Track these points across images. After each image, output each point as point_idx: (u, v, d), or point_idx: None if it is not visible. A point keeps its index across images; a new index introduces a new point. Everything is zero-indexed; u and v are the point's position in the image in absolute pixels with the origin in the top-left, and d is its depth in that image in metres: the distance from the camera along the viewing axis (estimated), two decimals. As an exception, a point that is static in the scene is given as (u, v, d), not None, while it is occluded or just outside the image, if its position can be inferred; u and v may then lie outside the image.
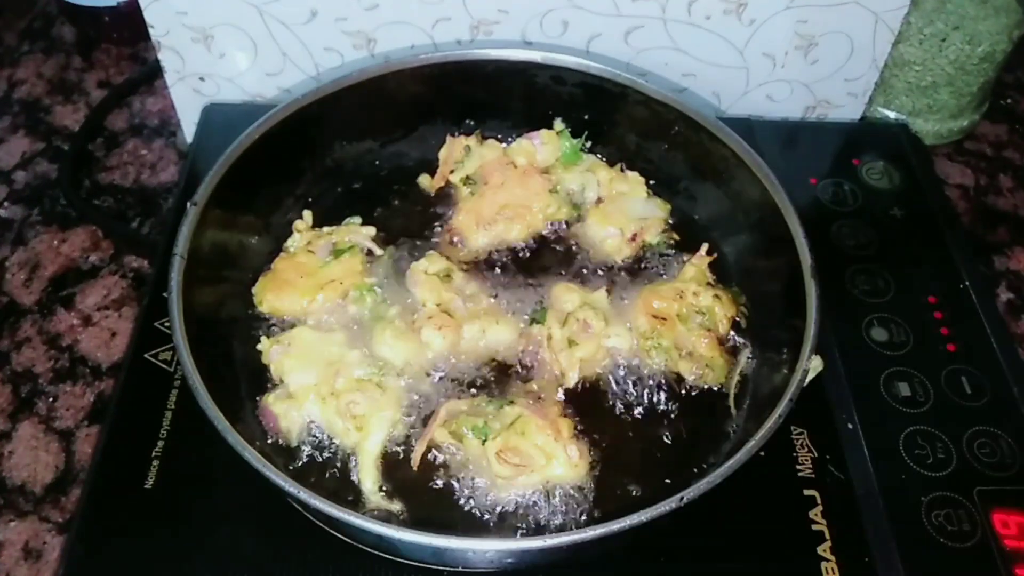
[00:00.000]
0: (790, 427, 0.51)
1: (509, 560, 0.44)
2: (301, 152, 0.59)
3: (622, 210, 0.58)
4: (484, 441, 0.46)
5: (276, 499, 0.46)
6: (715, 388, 0.52)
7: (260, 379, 0.51)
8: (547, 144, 0.61)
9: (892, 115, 0.72)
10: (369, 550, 0.45)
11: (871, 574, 0.46)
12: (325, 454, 0.48)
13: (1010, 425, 0.52)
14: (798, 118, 0.71)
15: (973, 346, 0.56)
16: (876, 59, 0.67)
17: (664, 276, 0.57)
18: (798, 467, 0.50)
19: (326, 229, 0.57)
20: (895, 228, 0.63)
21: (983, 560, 0.47)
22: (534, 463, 0.46)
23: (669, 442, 0.49)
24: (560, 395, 0.50)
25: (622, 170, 0.61)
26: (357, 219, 0.59)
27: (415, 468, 0.47)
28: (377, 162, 0.63)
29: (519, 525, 0.46)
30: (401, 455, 0.48)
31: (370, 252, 0.56)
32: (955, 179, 0.71)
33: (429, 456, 0.48)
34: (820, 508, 0.48)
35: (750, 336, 0.54)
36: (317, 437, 0.49)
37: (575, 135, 0.62)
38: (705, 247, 0.57)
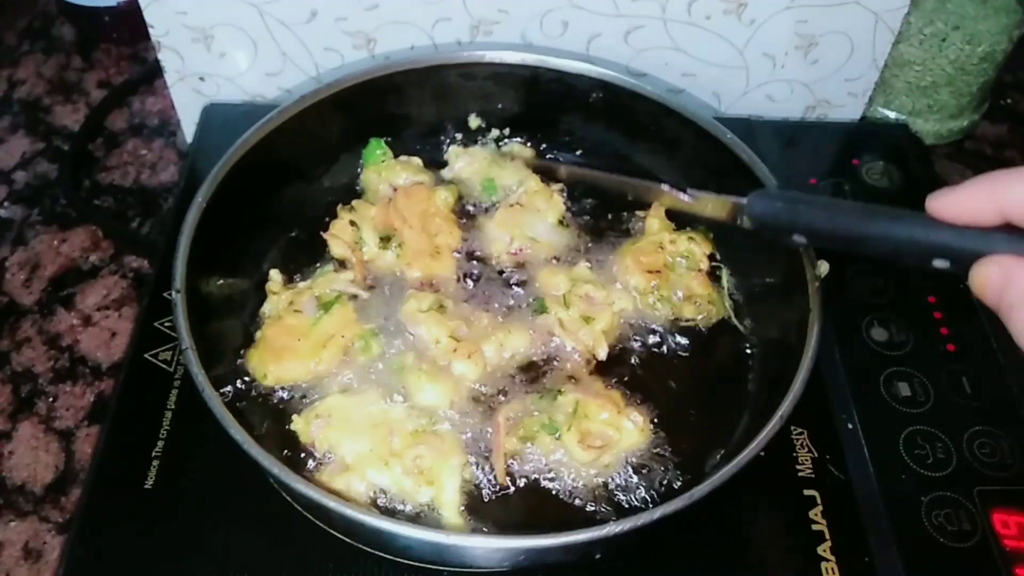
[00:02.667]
0: (790, 427, 0.51)
1: (521, 558, 0.44)
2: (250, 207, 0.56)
3: (524, 223, 0.57)
4: (558, 436, 0.47)
5: (277, 498, 0.46)
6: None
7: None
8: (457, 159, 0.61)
9: (892, 115, 0.72)
10: (372, 551, 0.45)
11: (871, 574, 0.46)
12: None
13: (1010, 425, 0.52)
14: (798, 118, 0.71)
15: (973, 346, 0.56)
16: (876, 59, 0.67)
17: (632, 236, 0.59)
18: (798, 467, 0.50)
19: (301, 285, 0.54)
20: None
21: (983, 560, 0.46)
22: (611, 440, 0.47)
23: (706, 381, 0.52)
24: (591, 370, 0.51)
25: (562, 190, 0.60)
26: (329, 266, 0.56)
27: (503, 483, 0.47)
28: (308, 202, 0.59)
29: (611, 504, 0.46)
30: (479, 481, 0.47)
31: (354, 296, 0.53)
32: (955, 179, 0.71)
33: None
34: (820, 508, 0.48)
35: (723, 259, 0.58)
36: (384, 502, 0.46)
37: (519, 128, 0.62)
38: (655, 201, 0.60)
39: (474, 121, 0.64)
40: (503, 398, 0.50)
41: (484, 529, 0.45)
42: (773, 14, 0.64)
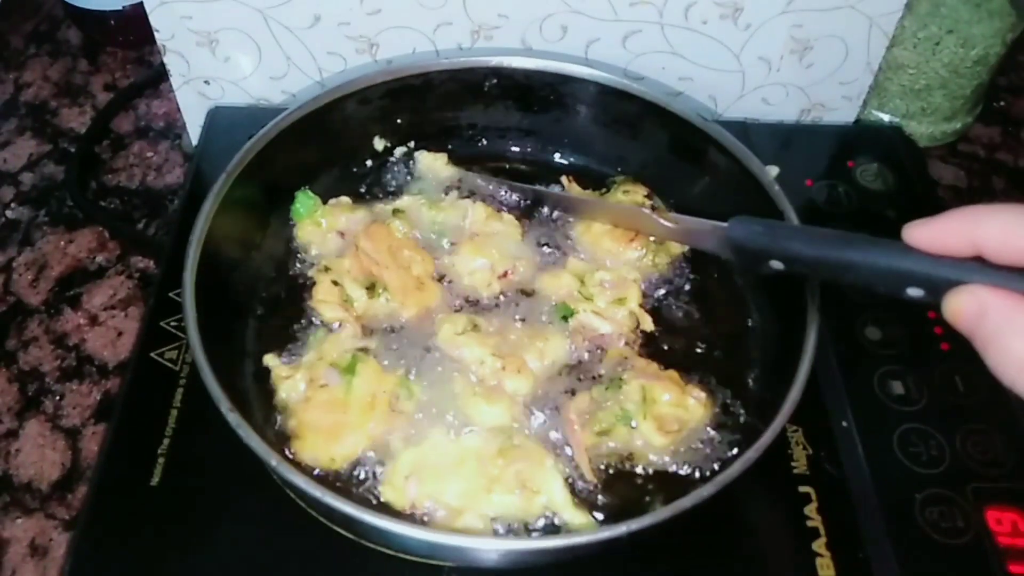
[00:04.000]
0: (785, 425, 0.52)
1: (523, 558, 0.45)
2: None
3: (495, 246, 0.56)
4: (633, 426, 0.47)
5: (282, 496, 0.46)
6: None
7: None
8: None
9: (886, 118, 0.73)
10: (377, 548, 0.46)
11: (866, 570, 0.47)
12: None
13: (1003, 423, 0.52)
14: (793, 121, 0.72)
15: (966, 345, 0.55)
16: (870, 62, 0.68)
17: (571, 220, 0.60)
18: (793, 464, 0.51)
19: (305, 360, 0.50)
20: (890, 229, 0.63)
21: (977, 556, 0.47)
22: (684, 420, 0.48)
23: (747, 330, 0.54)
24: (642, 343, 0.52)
25: (498, 211, 0.60)
26: (320, 331, 0.52)
27: (593, 480, 0.47)
28: (253, 281, 0.55)
29: (706, 461, 0.48)
30: (570, 477, 0.47)
31: (364, 349, 0.51)
32: (948, 181, 0.72)
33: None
34: (815, 504, 0.49)
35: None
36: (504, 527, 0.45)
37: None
38: (567, 178, 0.62)
39: (379, 143, 0.62)
40: (567, 395, 0.50)
41: (600, 518, 0.45)
42: (768, 19, 0.65)
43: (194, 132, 0.71)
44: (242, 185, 0.54)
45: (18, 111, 0.76)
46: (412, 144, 0.64)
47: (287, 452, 0.48)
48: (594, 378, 0.51)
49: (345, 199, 0.60)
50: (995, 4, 0.65)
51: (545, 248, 0.58)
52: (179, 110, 0.71)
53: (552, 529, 0.46)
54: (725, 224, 0.47)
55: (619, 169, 0.63)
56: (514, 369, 0.50)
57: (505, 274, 0.56)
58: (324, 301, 0.54)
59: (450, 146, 0.64)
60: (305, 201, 0.58)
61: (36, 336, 0.60)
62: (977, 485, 0.50)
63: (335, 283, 0.54)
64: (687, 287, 0.57)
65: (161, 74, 0.71)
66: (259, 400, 0.51)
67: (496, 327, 0.53)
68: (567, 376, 0.52)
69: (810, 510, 0.49)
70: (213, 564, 0.46)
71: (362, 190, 0.62)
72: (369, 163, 0.64)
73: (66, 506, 0.51)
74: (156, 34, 0.65)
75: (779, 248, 0.43)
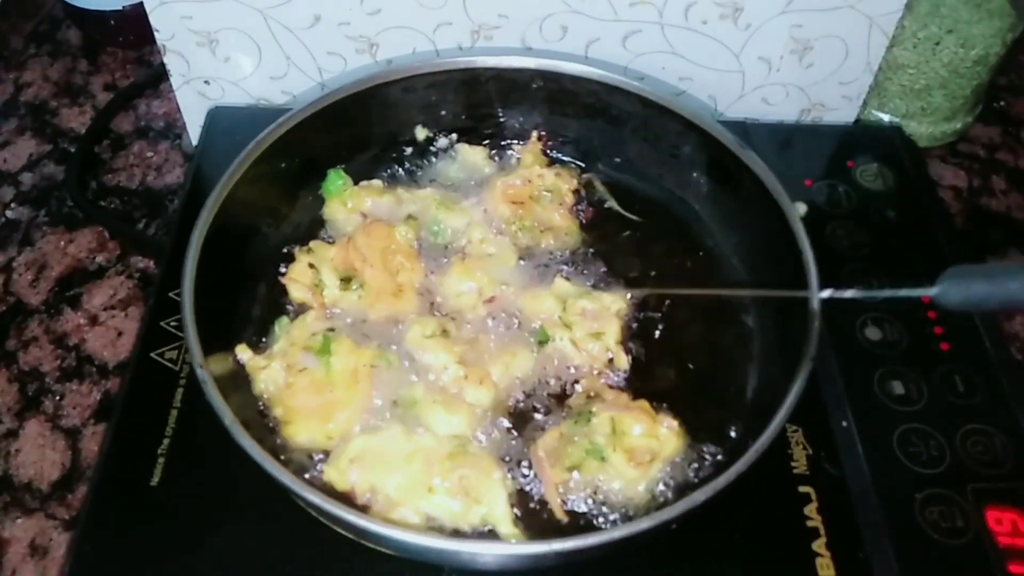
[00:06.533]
0: (785, 424, 0.52)
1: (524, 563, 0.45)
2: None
3: (486, 269, 0.55)
4: (604, 459, 0.46)
5: (281, 496, 0.46)
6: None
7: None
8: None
9: (886, 118, 0.73)
10: (377, 549, 0.45)
11: (866, 570, 0.47)
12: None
13: (1003, 423, 0.52)
14: (793, 121, 0.72)
15: (966, 345, 0.56)
16: (870, 62, 0.68)
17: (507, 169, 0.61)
18: (793, 463, 0.51)
19: (276, 348, 0.51)
20: (889, 229, 0.64)
21: (977, 556, 0.47)
22: (655, 451, 0.47)
23: (704, 358, 0.53)
24: (615, 379, 0.51)
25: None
26: (284, 318, 0.53)
27: (563, 518, 0.46)
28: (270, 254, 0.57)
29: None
30: (532, 509, 0.47)
31: (331, 329, 0.51)
32: (948, 181, 0.72)
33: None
34: (815, 504, 0.49)
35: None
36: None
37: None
38: (535, 134, 0.63)
39: (421, 132, 0.63)
40: (537, 418, 0.50)
41: (539, 536, 0.45)
42: (769, 19, 0.65)
43: (194, 132, 0.71)
44: (267, 162, 0.55)
45: (18, 111, 0.76)
46: (455, 136, 0.64)
47: (276, 440, 0.48)
48: (564, 415, 0.50)
49: (377, 182, 0.61)
50: (995, 4, 0.65)
51: (539, 269, 0.56)
52: (179, 110, 0.71)
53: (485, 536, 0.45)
54: (934, 289, 0.43)
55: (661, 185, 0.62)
56: (476, 379, 0.49)
57: (492, 299, 0.55)
58: (295, 280, 0.54)
59: (487, 142, 0.65)
60: (335, 179, 0.59)
61: (36, 336, 0.60)
62: (977, 485, 0.50)
63: (311, 266, 0.55)
64: (673, 336, 0.54)
65: (161, 74, 0.71)
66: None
67: (467, 336, 0.53)
68: (535, 399, 0.51)
69: (810, 510, 0.49)
70: (213, 564, 0.46)
71: (396, 175, 0.63)
72: (409, 151, 0.64)
73: (66, 506, 0.51)
74: (156, 34, 0.65)
75: (1011, 299, 0.39)
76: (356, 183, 0.60)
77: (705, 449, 0.49)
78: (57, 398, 0.57)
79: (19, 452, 0.54)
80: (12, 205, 0.69)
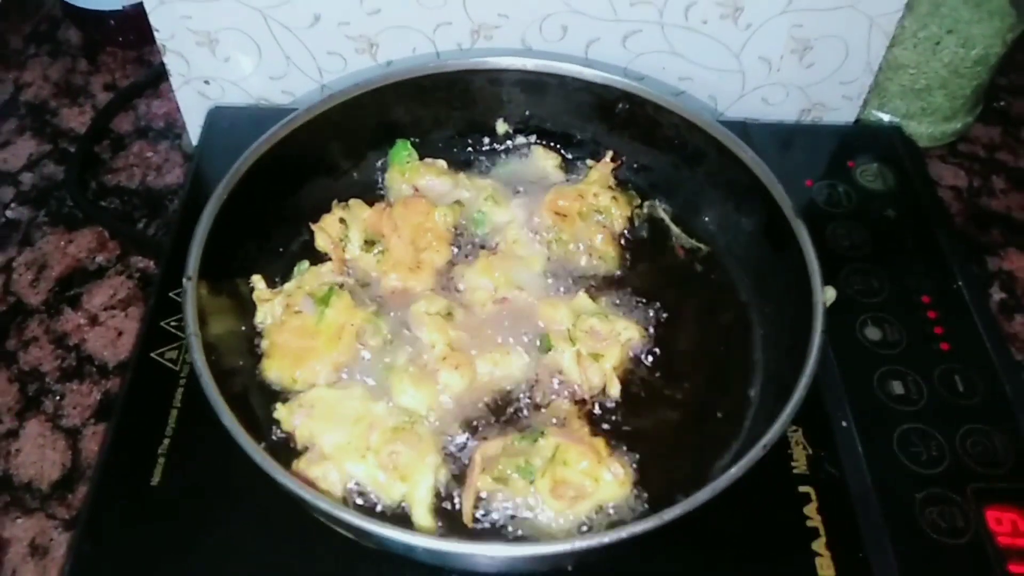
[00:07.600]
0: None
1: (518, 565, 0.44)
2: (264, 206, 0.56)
3: (508, 270, 0.55)
4: (532, 481, 0.45)
5: (281, 495, 0.46)
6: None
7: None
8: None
9: (886, 118, 0.73)
10: (379, 549, 0.45)
11: (866, 569, 0.47)
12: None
13: (1003, 423, 0.53)
14: (793, 121, 0.72)
15: (966, 345, 0.56)
16: (870, 62, 0.68)
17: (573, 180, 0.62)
18: (793, 463, 0.51)
19: (287, 287, 0.54)
20: (889, 229, 0.64)
21: (977, 556, 0.47)
22: (585, 491, 0.45)
23: (693, 419, 0.51)
24: (591, 409, 0.50)
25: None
26: (305, 263, 0.56)
27: (468, 524, 0.46)
28: (333, 197, 0.59)
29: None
30: (451, 507, 0.47)
31: (341, 285, 0.54)
32: (948, 181, 0.72)
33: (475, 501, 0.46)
34: (815, 504, 0.49)
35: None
36: (360, 499, 0.46)
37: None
38: (610, 154, 0.62)
39: (501, 127, 0.65)
40: (481, 424, 0.49)
41: (449, 533, 0.45)
42: (769, 19, 0.65)
43: (194, 132, 0.71)
44: (349, 113, 0.57)
45: (18, 111, 0.76)
46: (533, 137, 0.65)
47: (257, 372, 0.51)
48: (517, 421, 0.49)
49: (441, 162, 0.62)
50: (995, 4, 0.65)
51: (560, 286, 0.56)
52: (179, 110, 0.71)
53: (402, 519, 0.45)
54: None
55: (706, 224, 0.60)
56: (454, 363, 0.50)
57: (504, 300, 0.55)
58: (322, 229, 0.57)
59: (563, 152, 0.65)
60: (401, 149, 0.62)
61: (36, 336, 0.60)
62: (977, 485, 0.50)
63: (342, 221, 0.57)
64: (677, 392, 0.52)
65: (161, 74, 0.71)
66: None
67: (470, 325, 0.53)
68: (513, 403, 0.50)
69: (810, 510, 0.49)
70: (213, 564, 0.46)
71: (470, 161, 0.65)
72: (486, 140, 0.65)
73: (66, 506, 0.51)
74: (156, 34, 0.65)
75: None
76: (423, 159, 0.62)
77: (647, 500, 0.47)
78: (57, 398, 0.57)
79: (19, 452, 0.54)
80: (12, 205, 0.69)
